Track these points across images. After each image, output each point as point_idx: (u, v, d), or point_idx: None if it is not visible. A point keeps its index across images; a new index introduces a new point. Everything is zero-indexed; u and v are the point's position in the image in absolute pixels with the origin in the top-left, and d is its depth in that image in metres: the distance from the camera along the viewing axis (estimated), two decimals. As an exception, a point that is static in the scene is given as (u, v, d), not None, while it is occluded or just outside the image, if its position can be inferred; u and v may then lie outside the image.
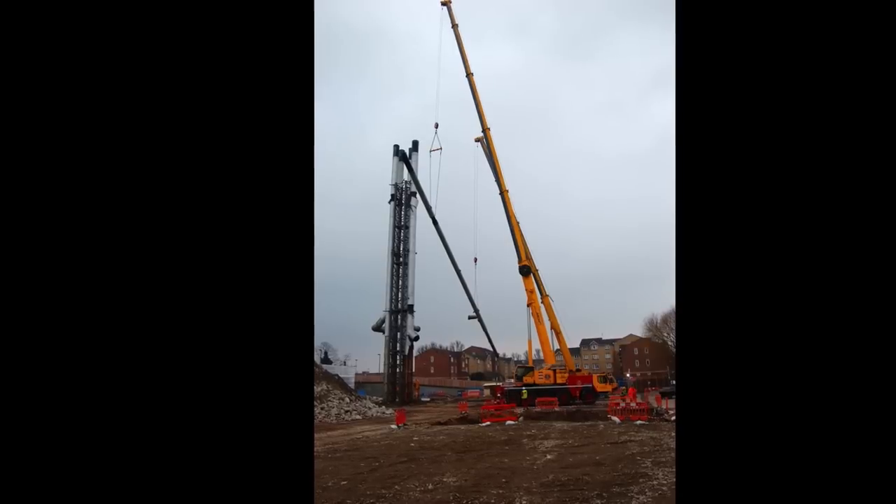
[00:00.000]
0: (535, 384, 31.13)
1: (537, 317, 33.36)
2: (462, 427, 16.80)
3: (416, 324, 45.84)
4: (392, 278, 45.19)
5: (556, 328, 33.75)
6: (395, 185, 46.63)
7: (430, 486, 6.83)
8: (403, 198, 46.52)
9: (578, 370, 35.67)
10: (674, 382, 32.71)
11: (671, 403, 18.08)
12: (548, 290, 34.14)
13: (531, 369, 33.86)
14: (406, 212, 46.25)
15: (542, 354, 34.19)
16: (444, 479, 7.27)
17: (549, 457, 9.14)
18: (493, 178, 35.39)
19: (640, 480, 6.66)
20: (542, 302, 33.62)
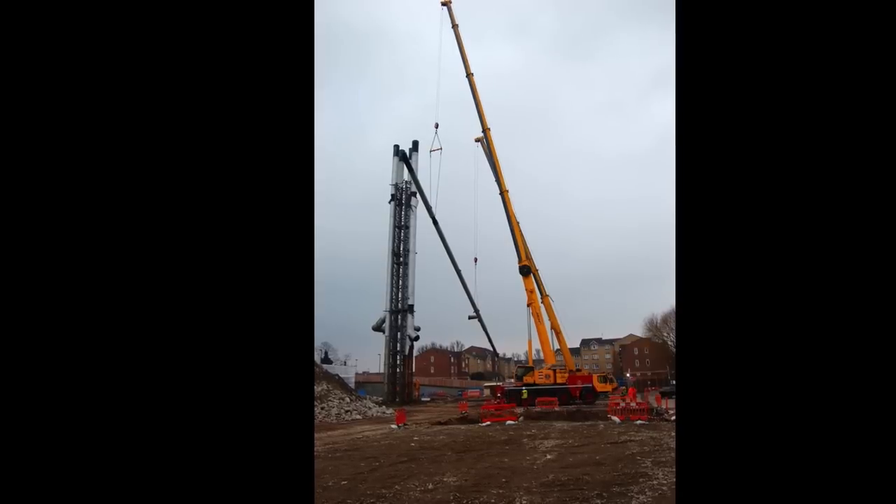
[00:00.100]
0: (535, 384, 31.13)
1: (537, 317, 33.36)
2: (462, 427, 16.80)
3: (417, 324, 45.84)
4: (392, 278, 45.18)
5: (556, 328, 33.75)
6: (396, 185, 46.62)
7: (431, 486, 6.83)
8: (403, 198, 46.51)
9: (578, 370, 35.67)
10: (674, 382, 32.71)
11: (671, 403, 18.07)
12: (548, 290, 34.16)
13: (531, 369, 33.85)
14: (406, 212, 46.23)
15: (542, 354, 34.19)
16: (445, 479, 7.27)
17: (549, 456, 9.13)
18: (493, 178, 35.41)
19: (640, 480, 6.65)
20: (542, 302, 33.62)
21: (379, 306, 46.12)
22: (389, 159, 47.90)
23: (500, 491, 6.38)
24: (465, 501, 5.97)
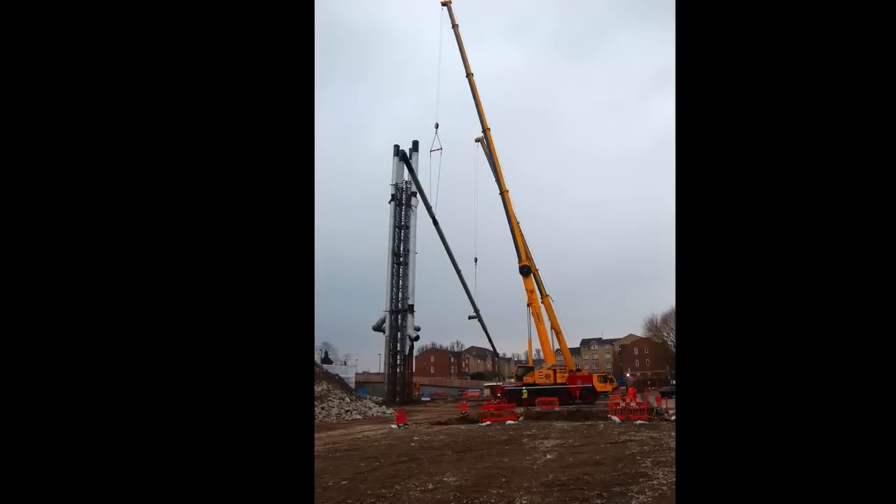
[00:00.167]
0: (535, 384, 31.14)
1: (537, 317, 33.36)
2: (462, 427, 16.80)
3: (417, 324, 45.87)
4: (392, 278, 45.20)
5: (556, 328, 33.76)
6: (396, 185, 46.64)
7: (431, 486, 6.83)
8: (404, 198, 46.53)
9: (578, 370, 35.67)
10: (674, 382, 32.71)
11: (671, 403, 18.07)
12: (548, 289, 34.18)
13: (531, 369, 33.86)
14: (406, 212, 46.25)
15: (542, 354, 34.20)
16: (445, 479, 7.28)
17: (549, 456, 9.13)
18: (493, 178, 35.43)
19: (640, 480, 6.66)
20: (542, 302, 33.63)
21: (379, 306, 46.18)
22: (389, 159, 47.95)
23: (500, 491, 6.38)
24: (465, 501, 5.97)
